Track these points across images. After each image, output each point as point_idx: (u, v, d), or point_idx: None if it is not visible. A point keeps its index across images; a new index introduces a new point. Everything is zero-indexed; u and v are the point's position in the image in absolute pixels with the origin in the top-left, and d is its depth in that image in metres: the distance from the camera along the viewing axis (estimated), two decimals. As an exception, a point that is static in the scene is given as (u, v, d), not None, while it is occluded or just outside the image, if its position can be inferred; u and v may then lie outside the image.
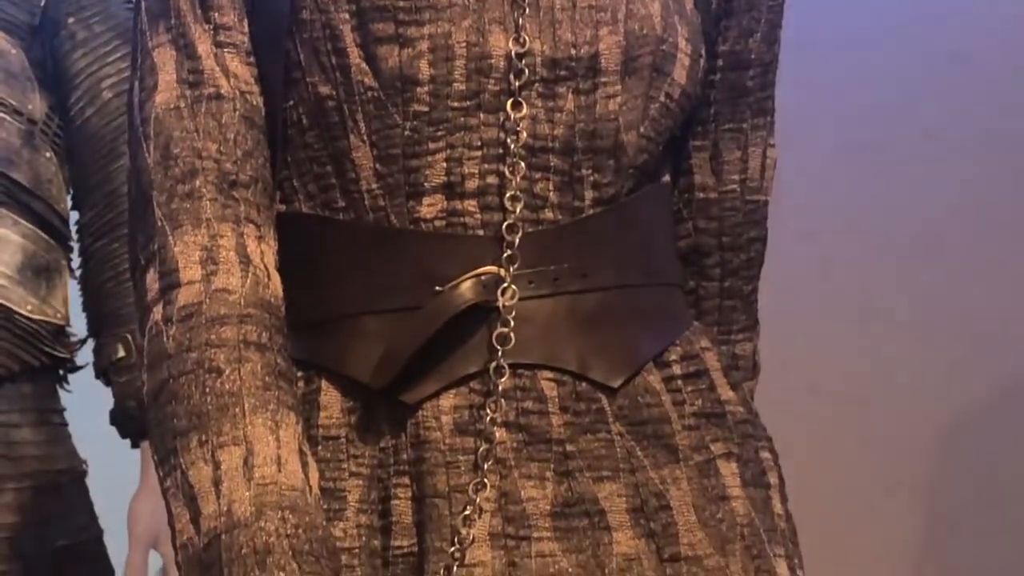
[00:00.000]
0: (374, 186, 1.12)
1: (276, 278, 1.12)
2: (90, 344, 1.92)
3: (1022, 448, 2.11)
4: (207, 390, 1.05)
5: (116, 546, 1.89)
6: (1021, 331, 2.08)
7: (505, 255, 1.11)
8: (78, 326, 1.92)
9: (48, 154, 1.82)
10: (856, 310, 2.26)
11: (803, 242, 2.17)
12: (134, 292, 1.13)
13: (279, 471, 1.03)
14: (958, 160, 2.16)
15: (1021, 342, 2.10)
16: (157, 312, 1.09)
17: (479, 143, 1.11)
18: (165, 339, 1.08)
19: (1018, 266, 2.15)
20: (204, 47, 1.12)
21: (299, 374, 1.14)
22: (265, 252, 1.11)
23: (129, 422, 1.90)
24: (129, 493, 1.93)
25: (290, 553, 1.00)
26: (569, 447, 1.11)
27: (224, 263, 1.09)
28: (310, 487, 1.05)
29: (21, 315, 1.79)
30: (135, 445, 1.94)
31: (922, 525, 2.11)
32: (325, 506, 1.09)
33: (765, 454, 1.20)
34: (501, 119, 1.11)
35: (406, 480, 1.11)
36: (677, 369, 1.17)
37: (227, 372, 1.05)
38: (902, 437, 2.17)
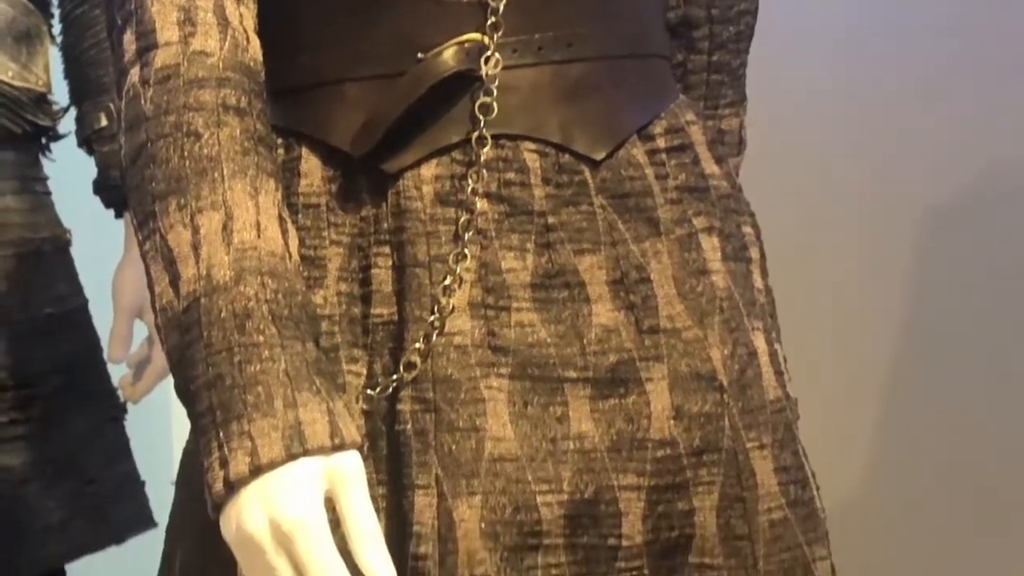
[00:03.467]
0: None
1: (255, 42, 1.10)
2: (72, 113, 1.90)
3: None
4: (185, 154, 1.04)
5: (101, 316, 1.90)
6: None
7: (489, 22, 1.09)
8: (60, 95, 1.90)
9: None
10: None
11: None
12: (111, 54, 1.11)
13: (258, 236, 1.03)
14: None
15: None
16: (134, 74, 1.07)
17: None
18: (142, 101, 1.06)
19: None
20: None
21: (279, 141, 1.13)
22: (244, 15, 1.09)
23: (112, 192, 1.89)
24: (113, 264, 1.93)
25: (269, 318, 1.00)
26: (551, 219, 1.11)
27: (202, 24, 1.07)
28: (289, 253, 1.04)
29: (2, 81, 1.77)
30: (118, 215, 1.93)
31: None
32: (305, 273, 1.09)
33: (747, 229, 1.20)
34: None
35: (386, 249, 1.10)
36: (661, 142, 1.16)
37: (205, 136, 1.04)
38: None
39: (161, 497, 1.69)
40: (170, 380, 1.93)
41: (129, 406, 1.92)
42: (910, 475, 1.95)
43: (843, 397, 1.97)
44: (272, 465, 0.97)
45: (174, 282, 1.02)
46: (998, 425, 1.89)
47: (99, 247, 1.96)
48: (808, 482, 1.17)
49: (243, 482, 0.97)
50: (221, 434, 0.98)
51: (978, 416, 1.90)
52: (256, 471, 0.97)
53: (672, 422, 1.10)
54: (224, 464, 0.98)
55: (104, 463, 1.85)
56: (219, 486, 0.98)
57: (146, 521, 1.89)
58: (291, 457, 0.97)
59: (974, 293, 1.92)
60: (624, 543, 1.08)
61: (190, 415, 1.02)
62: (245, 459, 0.97)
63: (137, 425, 1.94)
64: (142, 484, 1.91)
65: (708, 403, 1.11)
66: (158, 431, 2.32)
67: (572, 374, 1.09)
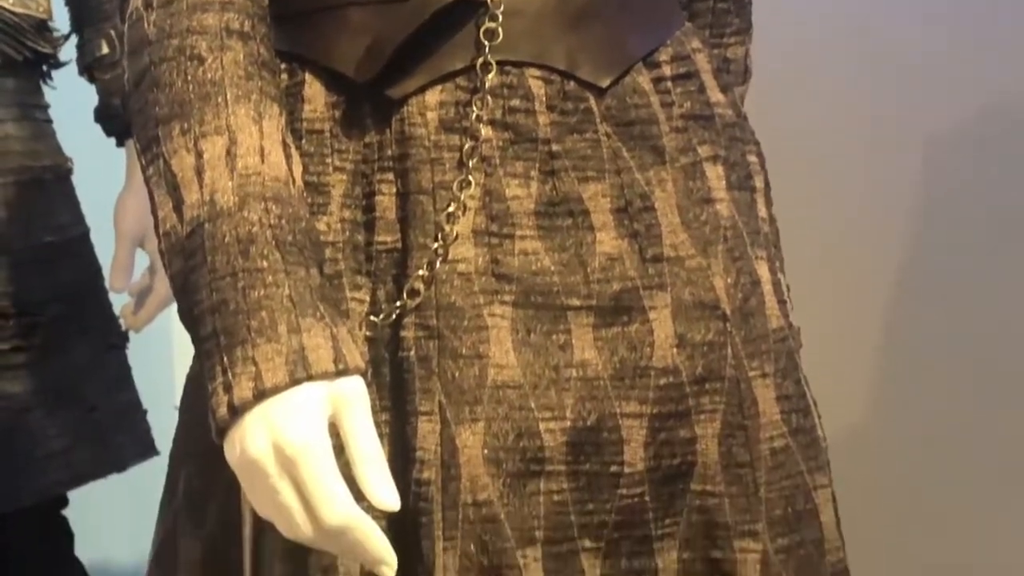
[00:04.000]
0: None
1: None
2: (74, 40, 1.89)
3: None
4: (189, 78, 1.03)
5: (102, 245, 1.90)
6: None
7: None
8: (61, 22, 1.89)
9: None
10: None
11: None
12: None
13: (262, 162, 1.02)
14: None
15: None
16: (137, -4, 1.06)
17: None
18: (146, 24, 1.05)
19: None
20: None
21: (282, 66, 1.12)
22: None
23: (114, 120, 1.89)
24: (115, 192, 1.93)
25: (273, 243, 1.00)
26: (555, 146, 1.10)
27: None
28: (293, 179, 1.04)
29: (3, 8, 1.76)
30: (120, 144, 1.93)
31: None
32: (309, 200, 1.08)
33: (752, 158, 1.19)
34: None
35: (390, 176, 1.10)
36: (667, 70, 1.15)
37: (209, 60, 1.04)
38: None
39: (163, 425, 1.70)
40: (172, 309, 1.94)
41: (131, 335, 1.93)
42: (912, 405, 1.95)
43: (846, 326, 1.97)
44: (276, 390, 0.98)
45: (178, 207, 1.02)
46: (1001, 353, 1.89)
47: (100, 176, 1.96)
48: (810, 411, 1.17)
49: (247, 407, 0.98)
50: (225, 359, 0.99)
51: (982, 345, 1.90)
52: (260, 396, 0.97)
53: (675, 350, 1.10)
54: (228, 389, 0.98)
55: (106, 391, 1.86)
56: (223, 410, 0.98)
57: (148, 449, 1.90)
58: (295, 382, 0.98)
59: (977, 222, 1.92)
60: (626, 470, 1.09)
61: (194, 340, 1.02)
62: (249, 384, 0.98)
63: (139, 354, 1.95)
64: (144, 412, 1.92)
65: (711, 332, 1.11)
66: (160, 360, 2.32)
67: (575, 302, 1.09)
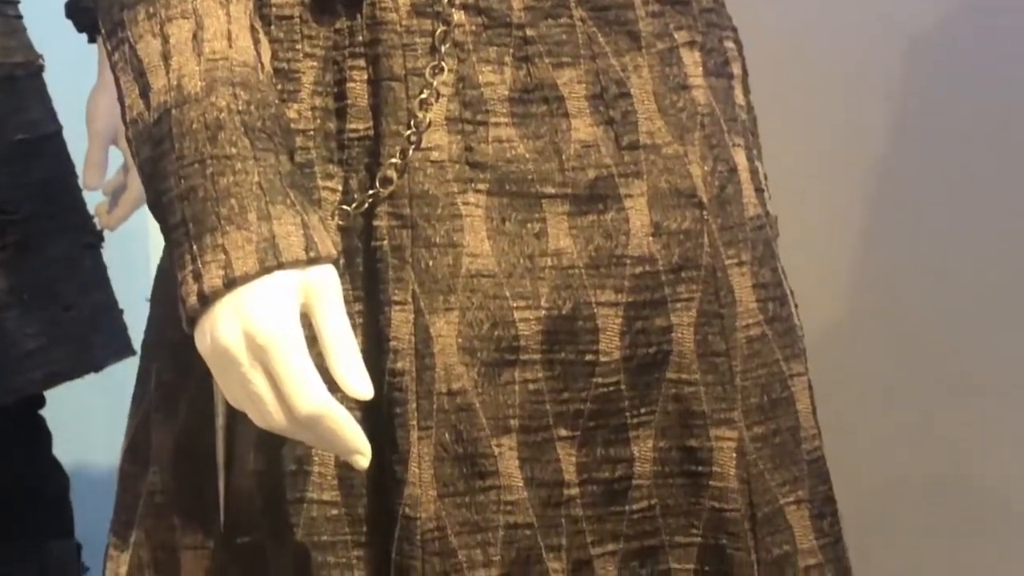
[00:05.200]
0: None
1: None
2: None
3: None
4: None
5: (75, 144, 1.88)
6: None
7: None
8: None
9: None
10: None
11: None
12: None
13: (229, 46, 1.00)
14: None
15: None
16: None
17: None
18: None
19: None
20: None
21: None
22: None
23: (84, 15, 1.86)
24: (87, 91, 1.90)
25: (242, 129, 0.99)
26: (529, 31, 1.08)
27: None
28: (262, 65, 1.02)
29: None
30: (91, 40, 1.90)
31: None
32: (279, 87, 1.07)
33: (729, 44, 1.18)
34: None
35: (362, 63, 1.08)
36: (642, -47, 1.13)
37: None
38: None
39: (139, 325, 1.69)
40: (148, 208, 1.93)
41: (106, 234, 1.91)
42: (893, 298, 1.95)
43: (825, 217, 1.96)
44: (246, 278, 0.96)
45: (144, 93, 1.00)
46: (984, 249, 1.89)
47: (72, 74, 1.93)
48: (786, 299, 1.16)
49: (217, 295, 0.97)
50: (194, 247, 0.97)
51: (963, 242, 1.90)
52: (230, 284, 0.96)
53: (651, 239, 1.09)
54: (198, 277, 0.97)
55: (81, 290, 1.85)
56: (193, 300, 0.97)
57: (124, 348, 1.89)
58: (265, 270, 0.97)
59: (959, 123, 1.91)
60: (601, 359, 1.08)
61: (163, 229, 1.01)
62: (219, 272, 0.96)
63: (114, 253, 1.93)
64: (120, 312, 1.90)
65: (687, 219, 1.10)
66: (136, 260, 2.30)
67: (550, 190, 1.08)
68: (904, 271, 1.94)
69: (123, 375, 1.75)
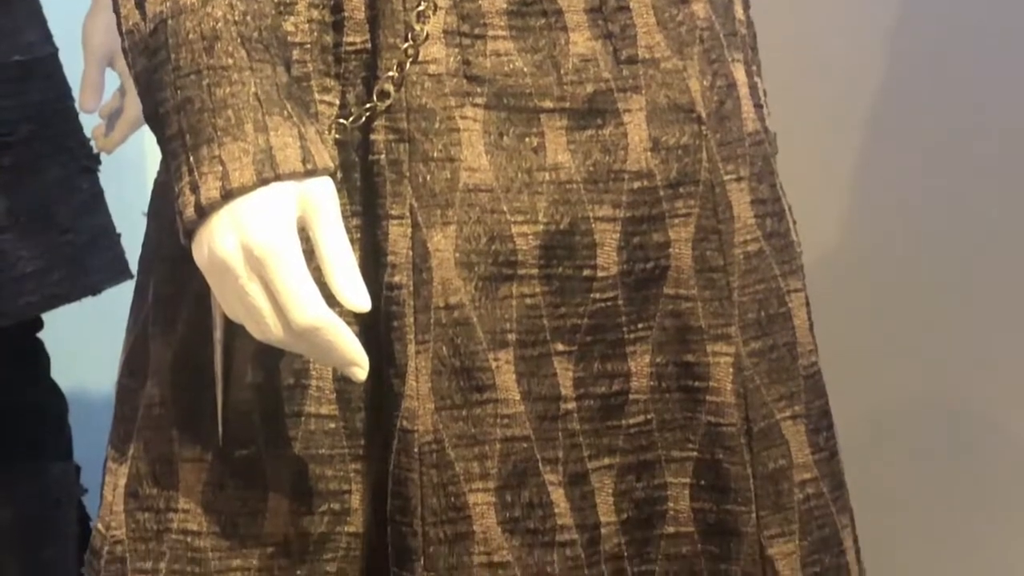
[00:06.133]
0: None
1: None
2: None
3: None
4: None
5: (71, 66, 1.87)
6: None
7: None
8: None
9: None
10: None
11: None
12: None
13: None
14: None
15: None
16: None
17: None
18: None
19: None
20: None
21: None
22: None
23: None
24: (82, 12, 1.89)
25: (238, 40, 0.98)
26: (527, -56, 1.07)
27: None
28: (258, -25, 1.01)
29: None
30: (87, -39, 1.89)
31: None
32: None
33: (728, -43, 1.17)
34: None
35: None
36: None
37: None
38: None
39: (137, 248, 1.69)
40: (145, 132, 1.92)
41: (103, 157, 1.91)
42: (890, 219, 1.94)
43: (824, 135, 1.96)
44: (243, 190, 0.96)
45: (140, 3, 1.00)
46: (984, 173, 1.88)
47: (67, -4, 1.92)
48: (784, 215, 1.16)
49: (214, 207, 0.96)
50: (191, 159, 0.97)
51: (963, 163, 1.89)
52: (227, 196, 0.96)
53: (649, 154, 1.09)
54: (195, 189, 0.97)
55: (78, 214, 1.84)
56: (190, 211, 0.97)
57: (121, 272, 1.89)
58: (262, 182, 0.96)
59: (964, 44, 1.90)
60: (599, 274, 1.08)
61: (159, 141, 1.00)
62: (216, 183, 0.96)
63: (111, 177, 1.93)
64: (118, 236, 1.90)
65: (686, 134, 1.10)
66: (133, 184, 2.30)
67: (548, 104, 1.07)
68: (902, 192, 1.94)
69: (121, 299, 1.75)
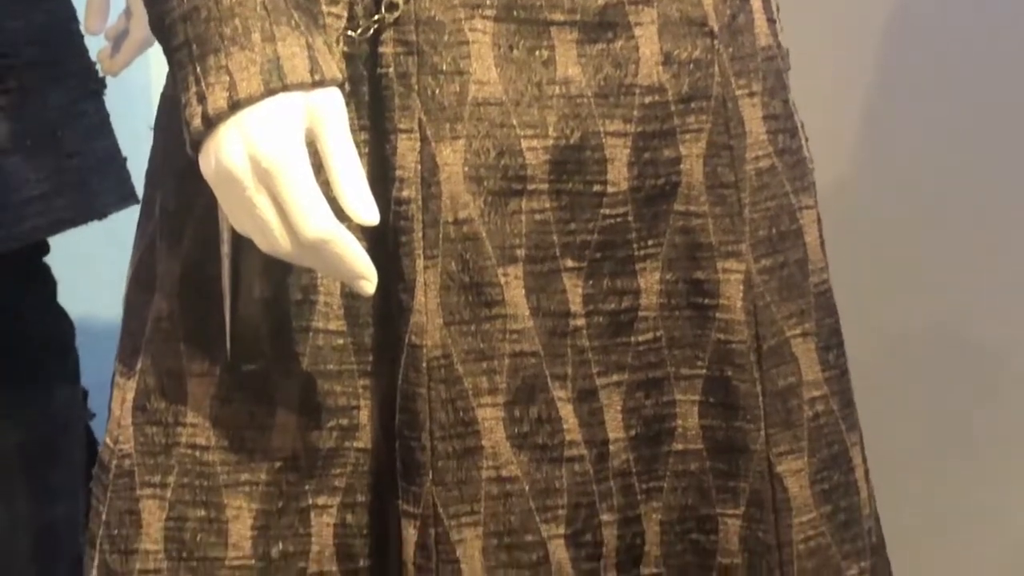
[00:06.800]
0: None
1: None
2: None
3: None
4: None
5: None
6: None
7: None
8: None
9: None
10: None
11: None
12: None
13: None
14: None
15: None
16: None
17: None
18: None
19: None
20: None
21: None
22: None
23: None
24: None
25: None
26: None
27: None
28: None
29: None
30: None
31: None
32: None
33: None
34: None
35: None
36: None
37: None
38: None
39: (142, 173, 1.68)
40: (150, 55, 1.90)
41: (109, 81, 1.89)
42: (901, 142, 1.93)
43: (838, 54, 1.94)
44: (251, 100, 0.95)
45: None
46: (994, 99, 1.87)
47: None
48: (797, 131, 1.15)
49: (221, 117, 0.96)
50: (198, 68, 0.96)
51: (973, 89, 1.88)
52: (234, 106, 0.95)
53: (661, 68, 1.08)
54: (202, 99, 0.96)
55: (84, 137, 1.83)
56: (197, 122, 0.96)
57: (128, 196, 1.88)
58: (270, 92, 0.95)
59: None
60: (609, 189, 1.07)
61: (165, 51, 0.99)
62: (223, 94, 0.95)
63: (117, 101, 1.92)
64: (124, 160, 1.89)
65: (698, 49, 1.09)
66: (139, 107, 2.29)
67: (559, 17, 1.06)
68: (915, 113, 1.92)
69: (127, 223, 1.74)
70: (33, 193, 1.76)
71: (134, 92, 2.24)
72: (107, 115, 1.88)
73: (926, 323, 1.95)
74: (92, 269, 2.27)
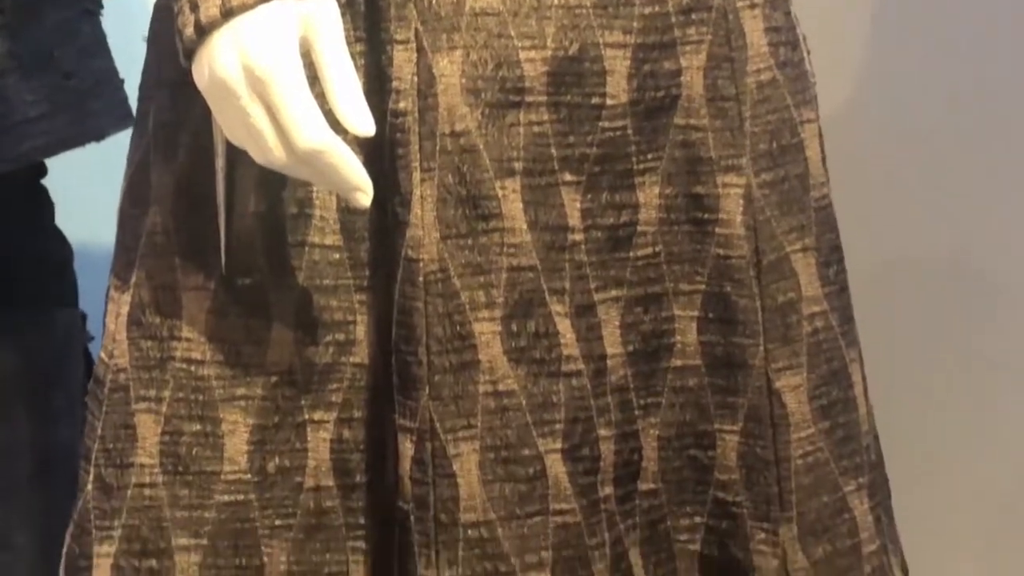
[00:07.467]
0: None
1: None
2: None
3: None
4: None
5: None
6: None
7: None
8: None
9: None
10: None
11: None
12: None
13: None
14: None
15: None
16: None
17: None
18: None
19: None
20: None
21: None
22: None
23: None
24: None
25: None
26: None
27: None
28: None
29: None
30: None
31: None
32: None
33: None
34: None
35: None
36: None
37: None
38: None
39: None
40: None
41: (106, 3, 1.88)
42: (907, 63, 1.91)
43: None
44: (244, 7, 0.94)
45: None
46: (994, 34, 1.85)
47: None
48: (799, 44, 1.14)
49: (214, 25, 0.94)
50: None
51: (984, 10, 1.86)
52: (227, 14, 0.94)
53: None
54: (194, 8, 0.95)
55: (81, 58, 1.81)
56: (190, 31, 0.95)
57: (125, 118, 1.86)
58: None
59: None
60: (608, 102, 1.06)
61: (158, -42, 0.98)
62: (216, 2, 0.94)
63: (114, 21, 1.90)
64: (121, 81, 1.88)
65: None
66: (135, 28, 2.27)
67: None
68: (919, 32, 1.90)
69: (125, 144, 1.73)
70: (31, 114, 1.75)
71: (131, 12, 2.22)
72: (104, 36, 1.86)
73: (927, 243, 1.94)
74: (89, 190, 2.25)
